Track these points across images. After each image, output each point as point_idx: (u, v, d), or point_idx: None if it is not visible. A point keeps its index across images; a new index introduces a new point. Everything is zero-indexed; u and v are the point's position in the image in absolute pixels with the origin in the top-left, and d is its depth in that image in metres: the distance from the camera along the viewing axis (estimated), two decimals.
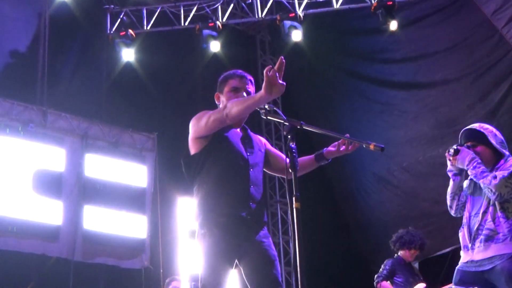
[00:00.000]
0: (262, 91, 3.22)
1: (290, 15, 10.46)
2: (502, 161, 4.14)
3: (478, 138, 4.23)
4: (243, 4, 11.35)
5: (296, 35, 10.43)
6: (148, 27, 10.78)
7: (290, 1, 10.69)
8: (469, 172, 4.12)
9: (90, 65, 10.71)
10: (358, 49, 11.26)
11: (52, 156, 9.77)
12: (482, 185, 4.03)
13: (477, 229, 4.08)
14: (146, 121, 10.82)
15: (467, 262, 4.16)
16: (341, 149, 3.71)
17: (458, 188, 4.30)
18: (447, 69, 10.16)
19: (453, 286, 4.28)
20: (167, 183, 10.65)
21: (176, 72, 11.24)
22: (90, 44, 10.82)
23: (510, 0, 9.15)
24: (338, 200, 12.28)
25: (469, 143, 4.24)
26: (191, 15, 10.87)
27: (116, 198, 10.19)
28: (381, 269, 7.15)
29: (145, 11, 10.84)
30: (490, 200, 4.06)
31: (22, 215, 9.21)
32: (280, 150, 4.18)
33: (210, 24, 10.49)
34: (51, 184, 9.63)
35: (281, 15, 10.49)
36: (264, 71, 3.16)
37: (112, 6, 10.69)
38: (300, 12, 10.48)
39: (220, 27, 10.54)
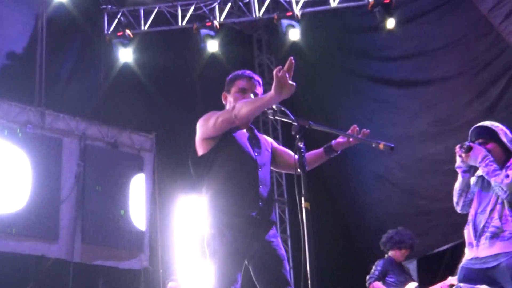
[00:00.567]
0: (272, 91, 3.20)
1: (288, 14, 10.45)
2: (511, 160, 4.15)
3: (489, 135, 4.24)
4: (241, 3, 11.34)
5: (294, 34, 10.43)
6: (146, 27, 10.76)
7: (287, 0, 10.68)
8: (480, 170, 4.12)
9: (88, 66, 10.69)
10: (356, 47, 11.27)
11: (51, 157, 9.74)
12: (493, 183, 4.03)
13: (483, 226, 4.09)
14: (144, 121, 10.81)
15: (471, 259, 4.17)
16: (351, 139, 3.70)
17: (466, 185, 4.31)
18: (445, 66, 10.17)
19: (457, 283, 4.28)
20: (165, 184, 10.65)
21: (174, 72, 11.24)
22: (88, 45, 10.80)
23: None
24: (336, 198, 12.28)
25: (480, 140, 4.23)
26: (189, 14, 10.85)
27: (114, 198, 10.18)
28: (372, 270, 7.17)
29: (142, 11, 10.81)
30: (498, 198, 4.07)
31: (21, 216, 9.18)
32: None
33: (208, 24, 10.47)
34: (49, 185, 9.60)
35: (279, 14, 10.49)
36: (274, 72, 3.14)
37: (110, 6, 10.66)
38: (297, 11, 10.48)
39: (218, 26, 10.52)
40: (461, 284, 4.23)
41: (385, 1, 9.92)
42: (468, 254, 4.23)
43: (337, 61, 11.54)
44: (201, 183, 3.72)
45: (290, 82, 3.15)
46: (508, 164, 4.14)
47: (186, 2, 10.92)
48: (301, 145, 3.15)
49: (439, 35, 10.16)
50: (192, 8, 10.87)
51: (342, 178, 11.99)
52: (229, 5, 11.07)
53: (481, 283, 4.15)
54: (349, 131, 3.67)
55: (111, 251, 10.04)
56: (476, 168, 4.29)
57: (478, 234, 4.12)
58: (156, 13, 10.78)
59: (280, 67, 3.14)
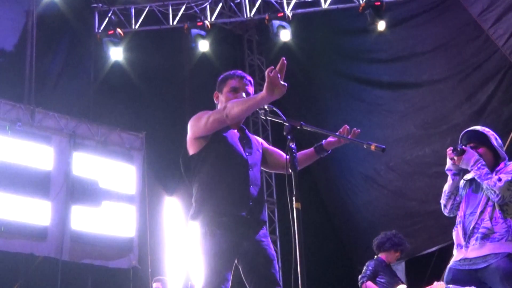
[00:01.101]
0: (264, 91, 3.21)
1: (279, 14, 10.48)
2: (502, 164, 4.20)
3: (480, 140, 4.27)
4: (232, 4, 11.35)
5: (285, 35, 10.44)
6: (137, 26, 10.74)
7: (279, 0, 10.70)
8: (472, 173, 4.14)
9: (78, 64, 10.66)
10: (346, 49, 11.30)
11: (40, 155, 9.71)
12: (485, 186, 4.06)
13: (473, 227, 4.11)
14: (134, 120, 10.79)
15: (460, 260, 4.17)
16: (342, 140, 3.70)
17: (456, 188, 4.34)
18: (434, 69, 10.21)
19: (445, 285, 4.29)
20: (155, 182, 10.64)
21: (165, 71, 11.22)
22: (78, 43, 10.77)
23: (496, 1, 9.21)
24: (324, 199, 12.31)
25: (471, 144, 4.27)
26: (180, 14, 10.84)
27: (104, 197, 10.16)
28: (364, 270, 7.17)
29: (133, 10, 10.80)
30: (488, 200, 4.09)
31: (10, 215, 9.14)
32: None
33: (199, 24, 10.48)
34: (38, 184, 9.57)
35: (270, 15, 10.51)
36: (266, 72, 3.15)
37: (100, 4, 10.63)
38: (288, 11, 10.50)
39: (209, 26, 10.53)
40: (450, 285, 4.24)
41: (376, 4, 9.95)
42: (457, 255, 4.23)
43: (327, 63, 11.56)
44: (191, 182, 3.71)
45: (282, 82, 3.15)
46: (498, 168, 4.18)
47: (177, 1, 10.91)
48: (292, 146, 3.15)
49: (429, 38, 10.21)
50: (183, 7, 10.86)
51: (331, 179, 12.01)
52: (220, 5, 11.08)
53: (469, 285, 4.15)
54: (340, 130, 3.69)
55: (101, 250, 10.01)
56: (465, 172, 4.32)
57: (467, 235, 4.13)
58: (147, 12, 10.77)
59: (272, 67, 3.14)
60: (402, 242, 7.28)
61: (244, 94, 3.75)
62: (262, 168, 3.89)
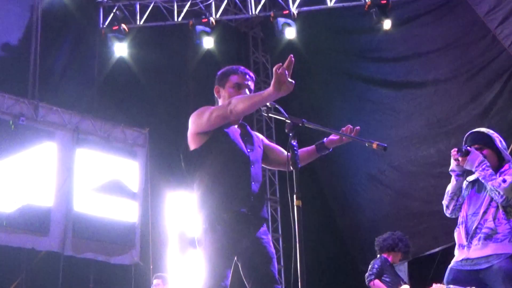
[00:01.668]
0: (271, 88, 3.18)
1: (284, 12, 10.47)
2: (506, 166, 4.23)
3: (485, 141, 4.29)
4: (237, 1, 11.35)
5: (290, 33, 10.44)
6: (141, 22, 10.75)
7: None
8: (476, 174, 4.16)
9: (83, 59, 10.67)
10: (351, 47, 11.28)
11: (43, 150, 9.72)
12: (489, 187, 4.07)
13: (476, 227, 4.12)
14: (138, 116, 10.80)
15: (461, 260, 4.17)
16: (343, 138, 3.69)
17: (459, 189, 4.35)
18: (440, 69, 10.19)
19: (446, 286, 4.29)
20: (158, 179, 10.64)
21: (169, 67, 11.22)
22: (83, 38, 10.77)
23: (503, 1, 9.19)
24: (327, 199, 12.29)
25: (476, 146, 4.28)
26: (185, 10, 10.85)
27: (107, 192, 10.18)
28: (370, 268, 7.17)
29: (138, 6, 10.80)
30: (491, 200, 4.10)
31: (12, 209, 9.16)
32: None
33: (204, 20, 10.47)
34: (42, 178, 9.58)
35: (275, 12, 10.50)
36: (274, 69, 3.12)
37: (105, 0, 10.65)
38: (294, 9, 10.49)
39: (214, 23, 10.52)
40: (451, 286, 4.24)
41: (381, 2, 9.93)
42: (458, 255, 4.23)
43: (332, 61, 11.54)
44: (192, 178, 3.70)
45: (289, 79, 3.14)
46: (503, 169, 4.21)
47: None
48: (294, 143, 3.15)
49: (435, 37, 10.18)
50: (188, 4, 10.87)
51: (334, 178, 12.00)
52: (225, 2, 11.08)
53: (470, 285, 4.15)
54: (343, 129, 3.67)
55: (103, 246, 10.03)
56: (468, 173, 4.33)
57: (470, 236, 4.13)
58: (152, 8, 10.77)
59: (280, 64, 3.12)
60: (409, 245, 7.32)
61: (247, 91, 3.74)
62: (262, 165, 3.88)
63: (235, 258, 3.58)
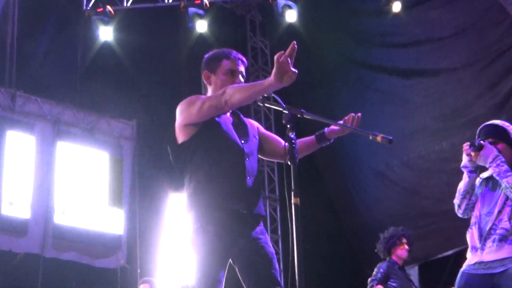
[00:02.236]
0: (272, 78, 3.13)
1: None
2: None
3: (500, 134, 4.27)
4: None
5: (291, 16, 10.44)
6: (128, 4, 10.72)
7: None
8: (490, 170, 4.14)
9: (64, 44, 10.66)
10: (358, 31, 11.25)
11: (21, 143, 9.72)
12: (504, 185, 4.05)
13: (490, 228, 4.10)
14: (124, 106, 10.80)
15: (474, 264, 4.17)
16: (345, 129, 3.65)
17: (471, 187, 4.32)
18: (454, 56, 10.18)
19: None
20: (146, 175, 10.64)
21: (159, 53, 11.22)
22: (65, 22, 10.76)
23: None
24: (331, 196, 12.31)
25: (490, 140, 4.25)
26: None
27: (90, 190, 10.18)
28: (375, 272, 7.18)
29: None
30: (506, 199, 4.09)
31: None
32: None
33: (196, 2, 10.47)
34: (19, 173, 9.59)
35: None
36: (275, 57, 3.08)
37: None
38: None
39: (207, 5, 10.52)
40: None
41: None
42: (471, 258, 4.23)
43: (336, 46, 11.52)
44: (182, 173, 3.65)
45: (292, 69, 3.11)
46: None
47: None
48: (292, 136, 3.14)
49: (449, 21, 10.16)
50: None
51: (338, 174, 12.01)
52: None
53: None
54: (345, 118, 3.64)
55: (86, 248, 10.04)
56: (481, 169, 4.32)
57: (483, 237, 4.12)
58: None
59: (282, 52, 3.09)
60: (402, 233, 7.28)
61: (241, 78, 3.72)
62: (259, 155, 3.84)
63: (231, 261, 3.55)
